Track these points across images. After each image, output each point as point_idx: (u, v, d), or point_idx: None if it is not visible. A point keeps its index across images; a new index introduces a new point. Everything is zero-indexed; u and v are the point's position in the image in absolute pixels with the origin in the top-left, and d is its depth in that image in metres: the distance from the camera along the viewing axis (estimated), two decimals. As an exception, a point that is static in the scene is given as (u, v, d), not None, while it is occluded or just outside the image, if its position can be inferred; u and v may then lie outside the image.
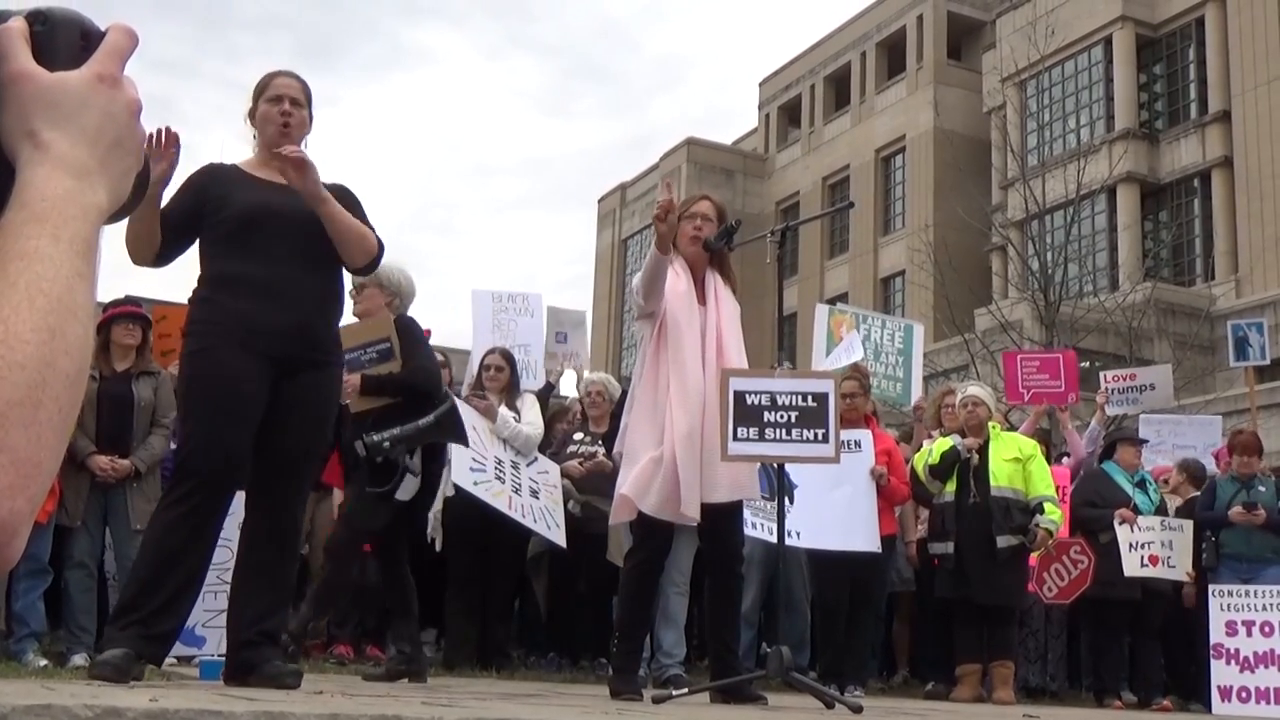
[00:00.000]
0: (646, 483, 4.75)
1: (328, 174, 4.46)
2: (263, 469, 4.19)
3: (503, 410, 7.16)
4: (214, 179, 4.29)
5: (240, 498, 4.34)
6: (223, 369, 4.07)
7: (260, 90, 4.37)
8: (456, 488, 6.71)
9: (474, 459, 6.83)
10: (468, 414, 7.00)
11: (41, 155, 0.84)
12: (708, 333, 4.98)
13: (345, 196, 4.37)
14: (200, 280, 4.27)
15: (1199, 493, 8.99)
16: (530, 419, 7.30)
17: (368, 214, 4.40)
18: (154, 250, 4.16)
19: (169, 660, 4.81)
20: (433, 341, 9.00)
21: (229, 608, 4.29)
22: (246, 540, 4.24)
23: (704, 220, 5.10)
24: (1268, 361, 11.74)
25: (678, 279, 5.02)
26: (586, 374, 8.54)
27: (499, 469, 6.96)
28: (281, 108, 4.31)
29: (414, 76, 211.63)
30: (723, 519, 4.91)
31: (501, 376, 7.33)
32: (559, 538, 7.16)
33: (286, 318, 4.13)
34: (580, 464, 7.64)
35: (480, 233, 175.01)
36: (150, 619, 3.95)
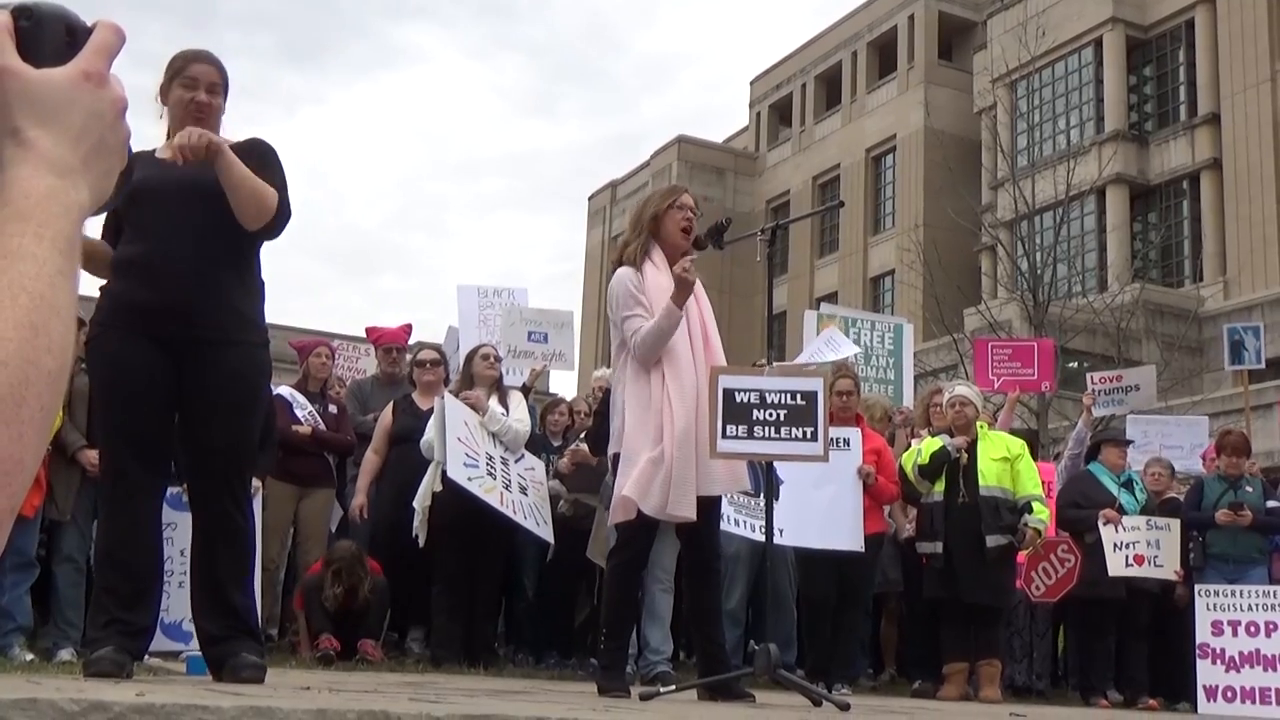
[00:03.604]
0: (647, 483, 4.73)
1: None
2: (188, 465, 4.14)
3: (493, 404, 7.18)
4: (130, 167, 4.17)
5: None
6: (112, 357, 4.01)
7: (175, 71, 4.18)
8: (452, 482, 6.72)
9: (467, 454, 6.84)
10: (459, 409, 7.01)
11: (25, 153, 0.83)
12: (693, 327, 4.98)
13: (262, 151, 4.18)
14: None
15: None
16: (519, 415, 7.32)
17: (285, 175, 4.20)
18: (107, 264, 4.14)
19: (155, 657, 4.80)
20: (421, 338, 9.07)
21: (192, 606, 4.23)
22: (194, 539, 4.17)
23: (692, 213, 5.10)
24: (1263, 365, 11.80)
25: (659, 273, 5.00)
26: (596, 371, 8.54)
27: (490, 465, 6.97)
28: (196, 95, 4.13)
29: (401, 76, 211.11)
30: (701, 513, 4.90)
31: (498, 367, 7.45)
32: (548, 534, 7.18)
33: (162, 295, 3.96)
34: (569, 460, 7.64)
35: (468, 231, 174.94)
36: (123, 617, 3.94)
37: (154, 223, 4.01)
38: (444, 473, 6.85)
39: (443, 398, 7.05)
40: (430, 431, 7.03)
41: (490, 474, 6.92)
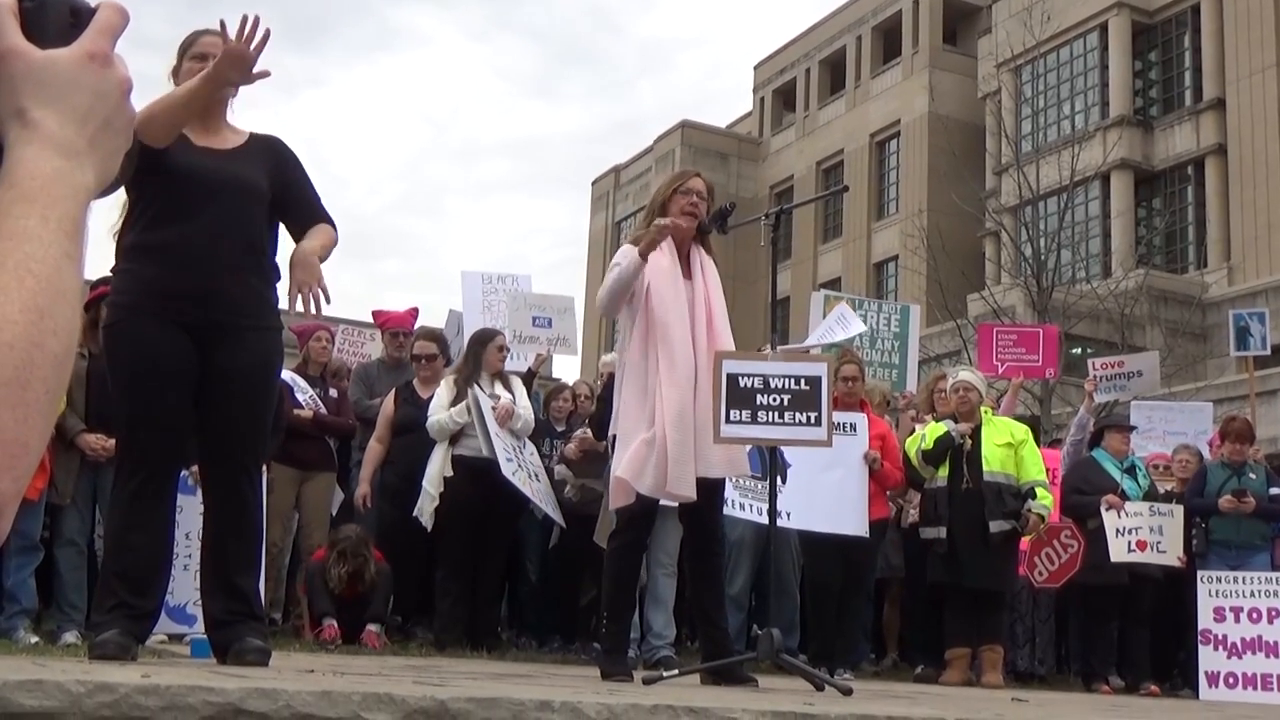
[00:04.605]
0: (641, 464, 4.74)
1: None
2: (203, 448, 4.16)
3: (502, 393, 7.23)
4: (135, 149, 4.03)
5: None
6: (139, 341, 4.01)
7: (186, 47, 4.21)
8: (502, 478, 6.84)
9: (503, 449, 6.95)
10: (485, 400, 7.09)
11: (31, 134, 0.83)
12: (696, 307, 4.97)
13: (287, 155, 4.25)
14: (120, 251, 4.14)
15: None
16: (523, 403, 7.35)
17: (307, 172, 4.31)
18: (168, 139, 3.98)
19: (159, 637, 4.81)
20: (424, 322, 9.06)
21: (200, 589, 4.27)
22: (206, 522, 4.20)
23: (699, 198, 5.10)
24: (1268, 351, 11.79)
25: (660, 254, 4.99)
26: (605, 356, 8.56)
27: (518, 455, 7.09)
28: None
29: (401, 58, 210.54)
30: (704, 496, 4.90)
31: (505, 358, 7.53)
32: (561, 517, 7.27)
33: (194, 282, 3.99)
34: (577, 446, 7.64)
35: (469, 215, 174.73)
36: (131, 601, 3.95)
37: (186, 208, 4.01)
38: (455, 458, 7.03)
39: (473, 387, 7.09)
40: (442, 415, 7.10)
41: (520, 465, 7.04)
